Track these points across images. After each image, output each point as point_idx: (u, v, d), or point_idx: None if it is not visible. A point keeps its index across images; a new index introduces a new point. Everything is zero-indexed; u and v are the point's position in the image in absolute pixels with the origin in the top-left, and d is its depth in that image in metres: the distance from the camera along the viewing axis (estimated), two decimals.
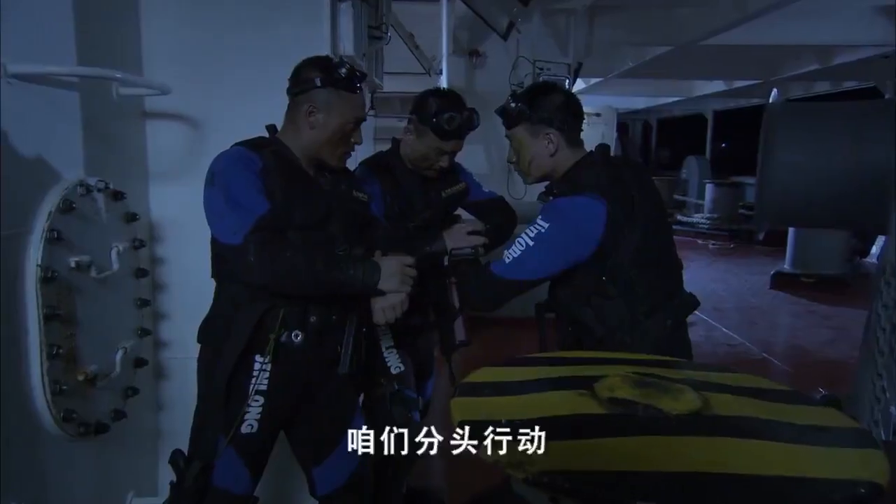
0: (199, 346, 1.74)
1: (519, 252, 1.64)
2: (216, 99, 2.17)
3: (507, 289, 1.68)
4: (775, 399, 1.12)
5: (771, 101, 2.80)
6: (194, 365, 2.24)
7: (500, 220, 2.22)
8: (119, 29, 2.01)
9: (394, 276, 1.61)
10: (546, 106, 1.71)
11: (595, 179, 1.65)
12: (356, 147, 1.77)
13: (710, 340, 5.33)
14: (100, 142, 1.87)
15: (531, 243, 1.62)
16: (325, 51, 2.21)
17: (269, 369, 1.62)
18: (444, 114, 1.96)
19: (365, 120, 1.75)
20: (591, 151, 1.78)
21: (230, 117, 2.17)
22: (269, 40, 2.15)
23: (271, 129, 1.74)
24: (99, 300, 1.77)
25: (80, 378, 1.67)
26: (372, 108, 3.34)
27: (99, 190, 1.76)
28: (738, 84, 9.45)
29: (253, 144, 1.64)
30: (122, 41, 2.03)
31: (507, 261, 1.66)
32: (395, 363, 2.17)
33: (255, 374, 1.62)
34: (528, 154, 1.77)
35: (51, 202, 1.58)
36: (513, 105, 1.75)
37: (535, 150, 1.75)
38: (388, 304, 1.70)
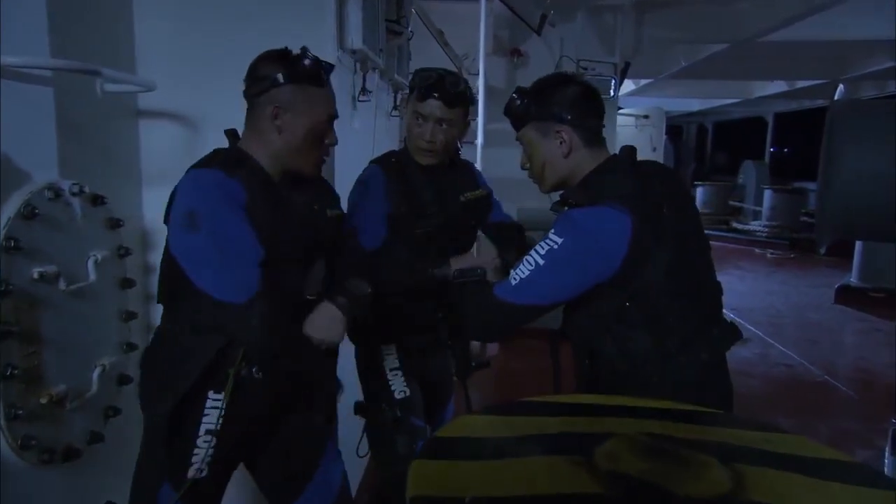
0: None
1: (527, 272, 1.40)
2: (215, 96, 2.00)
3: (513, 315, 1.45)
4: (833, 476, 0.87)
5: (836, 98, 2.47)
6: None
7: (514, 252, 1.99)
8: (108, 25, 1.88)
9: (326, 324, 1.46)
10: (556, 99, 1.48)
11: (618, 187, 1.41)
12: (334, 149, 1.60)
13: (765, 359, 4.93)
14: (80, 142, 1.74)
15: (542, 262, 1.38)
16: (330, 45, 2.05)
17: (221, 406, 1.42)
18: (419, 73, 1.87)
19: (337, 117, 1.54)
20: (615, 154, 1.54)
21: (230, 116, 1.99)
22: (270, 33, 1.96)
23: (232, 134, 1.53)
24: (71, 314, 1.62)
25: (44, 400, 1.52)
26: (395, 108, 3.16)
27: (73, 193, 1.62)
28: (802, 84, 8.87)
29: (227, 165, 1.41)
30: (112, 37, 1.90)
31: (514, 282, 1.42)
32: (399, 387, 1.97)
33: (206, 412, 1.42)
34: (540, 157, 1.53)
35: (10, 208, 1.44)
36: (517, 102, 1.52)
37: (546, 151, 1.52)
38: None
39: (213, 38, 2.01)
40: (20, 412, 1.45)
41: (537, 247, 1.40)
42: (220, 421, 1.42)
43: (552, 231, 1.40)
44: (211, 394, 1.42)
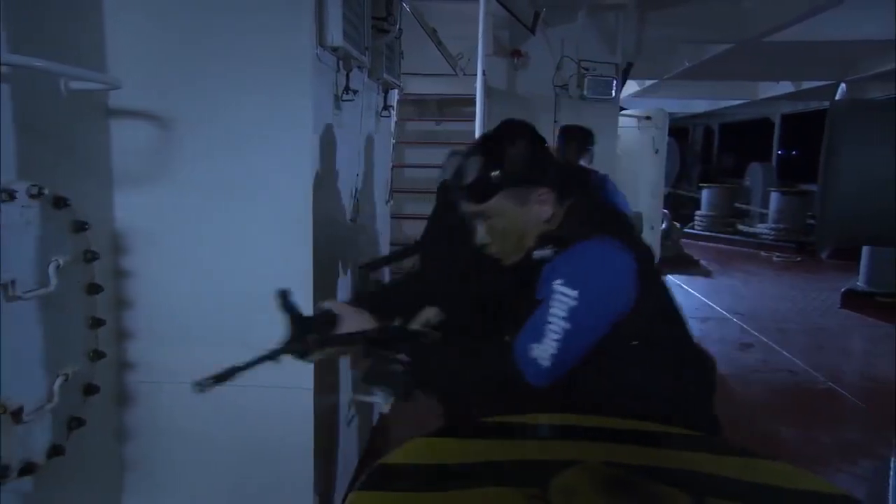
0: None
1: (556, 346, 1.19)
2: (189, 94, 1.96)
3: (552, 395, 1.24)
4: None
5: (837, 98, 2.38)
6: (164, 390, 2.06)
7: None
8: (75, 20, 1.81)
9: None
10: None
11: (599, 221, 1.35)
12: None
13: (768, 365, 4.81)
14: (43, 142, 1.66)
15: (568, 326, 1.19)
16: (308, 41, 1.97)
17: None
18: None
19: None
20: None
21: (205, 115, 1.96)
22: (246, 28, 1.93)
23: None
24: (28, 322, 1.55)
25: None
26: (385, 108, 3.09)
27: (31, 196, 1.55)
28: (808, 85, 8.73)
29: None
30: (79, 33, 1.83)
31: (545, 364, 1.20)
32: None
33: None
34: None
35: None
36: None
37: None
38: None
39: (188, 33, 1.94)
40: None
41: (552, 307, 1.21)
42: None
43: (558, 282, 1.22)
44: None
